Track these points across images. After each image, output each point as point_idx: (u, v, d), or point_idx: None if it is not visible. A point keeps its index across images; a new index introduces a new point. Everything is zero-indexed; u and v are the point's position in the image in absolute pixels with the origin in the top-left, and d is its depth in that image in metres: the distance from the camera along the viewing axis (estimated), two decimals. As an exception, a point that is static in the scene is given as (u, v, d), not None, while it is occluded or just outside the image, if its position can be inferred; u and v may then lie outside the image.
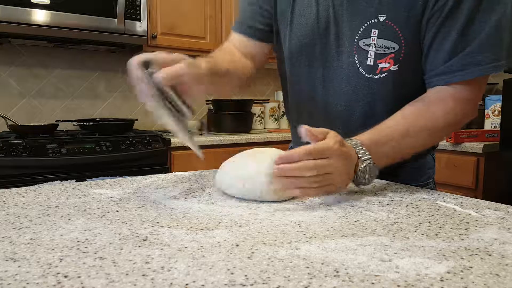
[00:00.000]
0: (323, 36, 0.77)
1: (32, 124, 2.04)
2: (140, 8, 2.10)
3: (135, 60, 0.59)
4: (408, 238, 0.42)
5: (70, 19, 1.92)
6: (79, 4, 1.93)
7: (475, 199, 0.60)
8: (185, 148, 2.37)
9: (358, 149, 0.61)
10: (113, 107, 2.49)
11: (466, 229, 0.46)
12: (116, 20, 2.03)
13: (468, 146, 1.77)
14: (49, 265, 0.34)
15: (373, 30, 0.71)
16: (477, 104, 0.73)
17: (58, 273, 0.33)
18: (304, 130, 0.56)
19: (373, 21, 0.71)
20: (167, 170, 1.99)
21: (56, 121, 2.04)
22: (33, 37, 2.00)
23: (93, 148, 1.83)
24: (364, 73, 0.74)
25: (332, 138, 0.57)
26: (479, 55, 0.65)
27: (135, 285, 0.31)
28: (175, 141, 2.05)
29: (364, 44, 0.72)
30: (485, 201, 0.59)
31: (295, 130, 0.94)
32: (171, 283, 0.31)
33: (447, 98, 0.69)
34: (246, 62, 0.86)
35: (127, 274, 0.33)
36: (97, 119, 2.23)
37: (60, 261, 0.35)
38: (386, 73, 0.72)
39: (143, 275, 0.33)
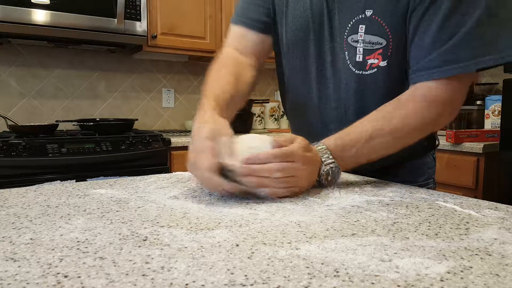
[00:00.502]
0: (317, 31, 0.76)
1: (32, 124, 2.04)
2: (140, 8, 2.11)
3: (213, 171, 0.57)
4: (408, 238, 0.42)
5: (70, 19, 1.92)
6: (79, 4, 1.93)
7: (475, 199, 0.60)
8: (185, 148, 2.38)
9: (322, 153, 0.64)
10: (113, 107, 2.49)
11: (466, 229, 0.46)
12: (116, 20, 2.03)
13: (468, 146, 1.77)
14: (49, 265, 0.34)
15: (360, 26, 0.70)
16: (458, 104, 0.69)
17: (58, 273, 0.33)
18: (273, 141, 0.60)
19: (360, 16, 0.70)
20: (167, 170, 1.99)
21: (56, 121, 2.04)
22: (33, 37, 2.00)
23: (93, 148, 1.83)
24: (354, 69, 0.73)
25: (297, 143, 0.60)
26: (460, 50, 0.63)
27: (135, 285, 0.31)
28: (175, 141, 2.06)
29: (352, 40, 0.72)
30: (485, 201, 0.59)
31: (293, 127, 0.95)
32: (171, 283, 0.31)
33: (420, 97, 0.67)
34: (246, 72, 0.84)
35: (127, 274, 0.33)
36: (97, 119, 2.23)
37: (60, 261, 0.35)
38: (375, 69, 0.72)
39: (143, 275, 0.33)
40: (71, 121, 2.09)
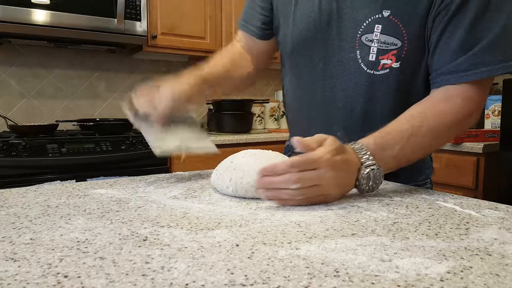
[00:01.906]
0: (325, 30, 0.76)
1: (32, 124, 2.04)
2: (140, 8, 2.11)
3: (128, 115, 0.72)
4: (408, 238, 0.42)
5: (70, 19, 1.92)
6: (79, 4, 1.93)
7: (475, 199, 0.60)
8: (185, 148, 2.34)
9: (362, 154, 0.60)
10: (113, 107, 2.49)
11: (466, 229, 0.46)
12: (116, 20, 2.03)
13: (468, 146, 1.77)
14: (49, 265, 0.34)
15: (376, 26, 0.70)
16: (483, 105, 0.71)
17: (58, 273, 0.33)
18: (295, 141, 0.56)
19: (377, 16, 0.69)
20: (167, 170, 1.99)
21: (56, 121, 2.04)
22: (33, 37, 2.00)
23: (93, 148, 1.83)
24: (366, 69, 0.73)
25: (326, 147, 0.56)
26: (487, 54, 0.64)
27: (135, 285, 0.31)
28: (175, 141, 2.05)
29: (366, 39, 0.71)
30: (485, 201, 0.59)
31: (293, 128, 0.94)
32: (171, 283, 0.31)
33: (455, 96, 0.67)
34: (244, 64, 0.89)
35: (127, 274, 0.33)
36: (97, 119, 2.23)
37: (60, 261, 0.35)
38: (387, 70, 0.71)
39: (143, 275, 0.33)
40: (71, 121, 2.09)
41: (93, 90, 2.42)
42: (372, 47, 0.71)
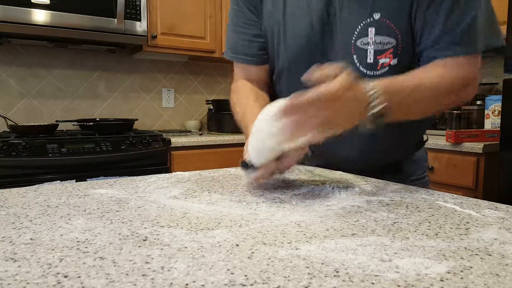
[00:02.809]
0: (319, 43, 0.77)
1: (32, 124, 2.04)
2: (140, 8, 2.11)
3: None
4: (408, 238, 0.42)
5: (70, 19, 1.92)
6: (79, 4, 1.93)
7: (475, 199, 0.60)
8: (185, 148, 2.37)
9: (371, 94, 0.60)
10: (113, 107, 2.49)
11: (466, 229, 0.46)
12: (116, 20, 2.03)
13: (468, 146, 1.77)
14: (49, 265, 0.34)
15: (369, 29, 0.72)
16: (477, 82, 0.73)
17: (58, 273, 0.33)
18: (309, 75, 0.57)
19: (368, 20, 0.72)
20: (167, 170, 1.99)
21: (56, 121, 2.04)
22: (33, 37, 2.00)
23: (93, 148, 1.83)
24: (365, 71, 0.74)
25: (339, 81, 0.55)
26: (471, 34, 0.68)
27: (135, 285, 0.31)
28: (175, 141, 2.06)
29: (362, 43, 0.73)
30: (485, 201, 0.59)
31: None
32: (171, 283, 0.31)
33: (449, 62, 0.69)
34: (263, 93, 0.89)
35: (127, 274, 0.33)
36: (97, 119, 2.24)
37: (60, 261, 0.35)
38: (387, 68, 0.73)
39: (143, 275, 0.33)
40: (71, 121, 2.09)
41: (93, 90, 2.42)
42: (369, 49, 0.73)
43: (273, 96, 0.92)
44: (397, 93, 0.63)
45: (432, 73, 0.69)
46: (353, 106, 0.58)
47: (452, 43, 0.69)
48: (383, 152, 0.83)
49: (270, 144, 0.60)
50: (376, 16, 0.72)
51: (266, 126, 0.61)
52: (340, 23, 0.75)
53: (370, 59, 0.73)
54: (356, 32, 0.74)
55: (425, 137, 0.93)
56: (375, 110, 0.60)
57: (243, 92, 0.90)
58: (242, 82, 0.92)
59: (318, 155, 0.86)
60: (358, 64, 0.75)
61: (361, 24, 0.73)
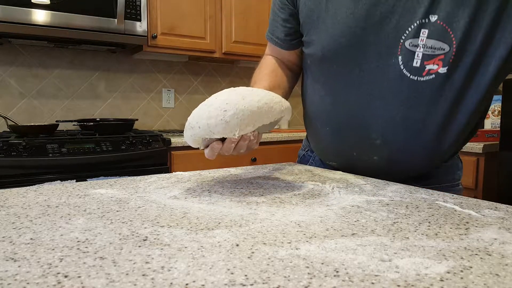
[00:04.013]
0: (362, 36, 0.72)
1: (32, 124, 2.04)
2: (140, 8, 2.11)
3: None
4: (408, 238, 0.42)
5: (70, 19, 1.92)
6: (79, 4, 1.93)
7: (475, 199, 0.60)
8: (185, 148, 2.37)
9: None
10: (113, 107, 2.49)
11: (466, 229, 0.46)
12: (116, 20, 2.03)
13: (468, 146, 1.77)
14: (49, 265, 0.34)
15: (422, 30, 0.67)
16: None
17: (58, 273, 0.33)
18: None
19: (423, 20, 0.67)
20: (167, 170, 1.99)
21: (56, 121, 2.04)
22: (33, 37, 2.00)
23: (93, 148, 1.83)
24: (408, 75, 0.69)
25: None
26: None
27: (135, 285, 0.31)
28: (175, 141, 2.06)
29: (411, 44, 0.68)
30: (485, 201, 0.59)
31: (316, 136, 0.90)
32: (171, 283, 0.31)
33: None
34: (283, 77, 0.89)
35: (127, 274, 0.33)
36: (97, 119, 2.24)
37: (60, 261, 0.35)
38: (433, 75, 0.68)
39: (143, 275, 0.33)
40: (71, 121, 2.10)
41: (93, 90, 2.42)
42: (417, 53, 0.68)
43: (302, 82, 0.92)
44: None
45: None
46: None
47: None
48: (414, 165, 0.78)
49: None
50: (433, 18, 0.66)
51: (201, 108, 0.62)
52: (390, 18, 0.69)
53: (416, 62, 0.68)
54: (407, 32, 0.68)
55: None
56: None
57: (263, 64, 0.91)
58: (268, 57, 0.92)
59: (339, 155, 0.85)
60: (402, 67, 0.70)
61: (414, 24, 0.67)
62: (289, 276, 0.33)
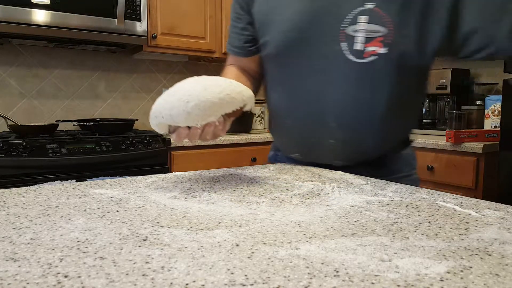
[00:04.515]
0: (308, 29, 0.78)
1: (32, 124, 2.04)
2: (140, 8, 2.11)
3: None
4: (408, 238, 0.42)
5: (70, 19, 1.92)
6: (79, 4, 1.93)
7: (475, 199, 0.60)
8: (185, 148, 2.37)
9: None
10: (113, 107, 2.49)
11: (466, 229, 0.46)
12: (116, 20, 2.03)
13: (468, 146, 1.77)
14: (49, 265, 0.34)
15: (359, 17, 0.73)
16: None
17: (58, 273, 0.33)
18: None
19: (360, 8, 0.73)
20: (167, 170, 1.99)
21: (56, 121, 2.04)
22: (33, 37, 2.00)
23: (93, 148, 1.83)
24: (352, 58, 0.75)
25: None
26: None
27: (135, 285, 0.31)
28: (175, 141, 2.05)
29: (352, 30, 0.74)
30: (485, 201, 0.59)
31: (280, 132, 0.96)
32: (171, 283, 0.31)
33: None
34: (247, 82, 0.93)
35: (127, 274, 0.33)
36: (97, 119, 2.24)
37: (60, 261, 0.35)
38: (376, 56, 0.73)
39: (143, 275, 0.33)
40: (71, 121, 2.10)
41: (93, 90, 2.42)
42: (357, 37, 0.74)
43: (265, 85, 0.96)
44: None
45: None
46: None
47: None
48: (366, 147, 0.83)
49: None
50: (370, 5, 0.73)
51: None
52: (330, 11, 0.76)
53: (358, 46, 0.74)
54: (346, 20, 0.74)
55: (411, 138, 0.93)
56: None
57: (226, 74, 0.95)
58: (229, 66, 0.97)
59: (300, 145, 0.89)
60: (346, 52, 0.75)
61: (352, 12, 0.74)
62: (289, 276, 0.33)
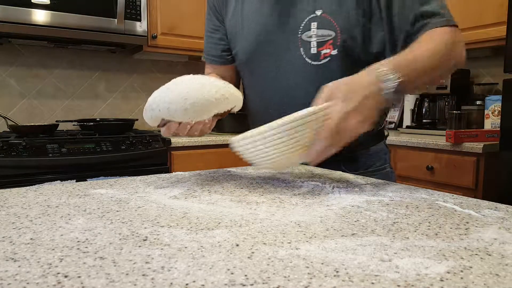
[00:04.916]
0: (272, 38, 0.87)
1: (32, 124, 2.04)
2: (140, 8, 2.11)
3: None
4: (408, 238, 0.42)
5: (70, 19, 1.92)
6: (79, 4, 1.93)
7: (475, 199, 0.60)
8: (185, 148, 2.37)
9: (382, 73, 0.63)
10: (113, 107, 2.49)
11: (466, 229, 0.46)
12: (116, 20, 2.03)
13: (468, 146, 1.77)
14: (49, 265, 0.34)
15: (312, 23, 0.83)
16: (464, 53, 0.77)
17: (58, 273, 0.33)
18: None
19: (312, 16, 0.83)
20: (167, 170, 1.99)
21: (56, 121, 2.04)
22: (33, 37, 2.00)
23: (93, 148, 1.83)
24: (310, 61, 0.84)
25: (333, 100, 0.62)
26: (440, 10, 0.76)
27: (135, 285, 0.31)
28: (175, 141, 2.06)
29: (306, 36, 0.84)
30: (485, 201, 0.59)
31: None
32: (171, 283, 0.31)
33: (442, 31, 0.74)
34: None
35: (127, 274, 0.33)
36: (97, 119, 2.24)
37: (60, 261, 0.35)
38: (329, 58, 0.82)
39: (143, 275, 0.33)
40: (71, 121, 2.10)
41: (93, 90, 2.42)
42: (312, 42, 0.83)
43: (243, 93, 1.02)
44: (404, 67, 0.66)
45: (425, 45, 0.72)
46: (367, 90, 0.61)
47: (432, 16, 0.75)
48: None
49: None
50: (318, 12, 0.82)
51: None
52: (289, 20, 0.85)
53: (313, 50, 0.83)
54: (301, 27, 0.84)
55: (385, 132, 0.98)
56: (390, 86, 0.63)
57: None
58: (209, 75, 1.01)
59: None
60: (304, 56, 0.84)
61: (306, 19, 0.83)
62: (289, 276, 0.33)
